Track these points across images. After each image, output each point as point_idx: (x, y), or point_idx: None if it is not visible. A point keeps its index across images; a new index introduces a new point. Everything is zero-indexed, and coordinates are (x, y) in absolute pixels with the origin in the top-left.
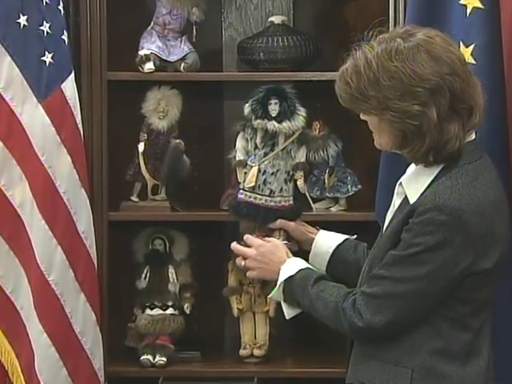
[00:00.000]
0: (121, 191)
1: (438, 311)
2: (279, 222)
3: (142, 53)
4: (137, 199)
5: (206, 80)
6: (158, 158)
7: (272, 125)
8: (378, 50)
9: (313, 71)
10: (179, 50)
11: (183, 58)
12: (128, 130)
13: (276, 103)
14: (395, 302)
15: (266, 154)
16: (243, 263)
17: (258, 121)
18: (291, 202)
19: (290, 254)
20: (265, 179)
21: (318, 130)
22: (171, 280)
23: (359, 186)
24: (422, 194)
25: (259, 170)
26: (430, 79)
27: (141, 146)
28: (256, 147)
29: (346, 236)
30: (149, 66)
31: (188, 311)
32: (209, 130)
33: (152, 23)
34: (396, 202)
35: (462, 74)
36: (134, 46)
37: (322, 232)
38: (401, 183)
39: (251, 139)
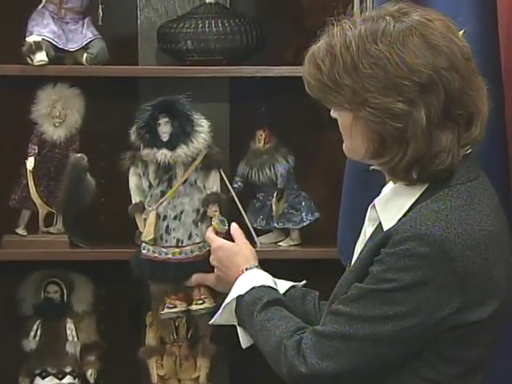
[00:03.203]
0: (3, 222)
1: (415, 371)
2: (194, 279)
3: (30, 39)
4: (24, 232)
5: (115, 76)
6: (52, 177)
7: (163, 154)
8: (360, 29)
9: (256, 65)
10: (80, 36)
11: (86, 47)
12: (13, 140)
13: (167, 122)
14: (350, 345)
15: (163, 193)
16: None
17: (146, 151)
18: (208, 248)
19: (254, 259)
20: (167, 226)
21: (262, 142)
22: (70, 338)
23: (317, 214)
24: (400, 220)
25: (158, 216)
26: (421, 71)
27: (30, 163)
28: (150, 185)
29: (292, 283)
30: (40, 57)
31: (92, 379)
32: (120, 142)
33: (44, 1)
34: (367, 230)
35: (464, 72)
36: (19, 31)
37: None
38: (374, 206)
39: (144, 175)
